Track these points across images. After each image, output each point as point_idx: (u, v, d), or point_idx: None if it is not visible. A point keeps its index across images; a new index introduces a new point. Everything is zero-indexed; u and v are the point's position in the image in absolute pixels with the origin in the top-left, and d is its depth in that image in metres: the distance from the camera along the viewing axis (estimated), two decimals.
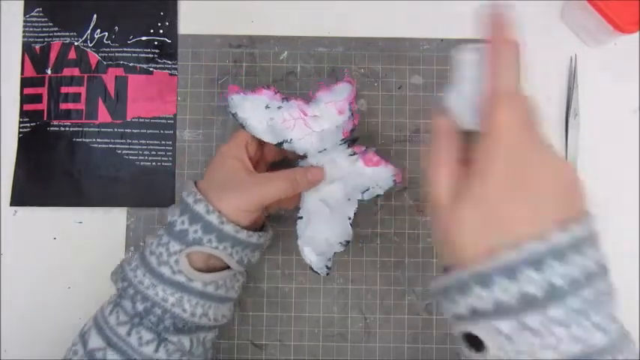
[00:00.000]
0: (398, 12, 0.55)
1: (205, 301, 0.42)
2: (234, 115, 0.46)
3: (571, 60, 0.54)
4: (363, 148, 0.46)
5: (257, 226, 0.46)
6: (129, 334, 0.41)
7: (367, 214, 0.52)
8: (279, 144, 0.46)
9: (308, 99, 0.46)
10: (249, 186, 0.43)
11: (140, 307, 0.41)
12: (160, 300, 0.41)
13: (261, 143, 0.47)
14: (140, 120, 0.54)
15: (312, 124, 0.46)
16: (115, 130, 0.54)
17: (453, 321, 0.31)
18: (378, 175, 0.46)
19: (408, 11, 0.55)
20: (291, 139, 0.45)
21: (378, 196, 0.46)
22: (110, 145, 0.53)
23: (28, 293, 0.52)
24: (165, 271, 0.41)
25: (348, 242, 0.46)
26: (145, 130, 0.54)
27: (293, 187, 0.44)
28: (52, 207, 0.53)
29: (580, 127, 0.54)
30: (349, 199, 0.46)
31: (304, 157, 0.46)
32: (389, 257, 0.52)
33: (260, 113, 0.45)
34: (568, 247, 0.27)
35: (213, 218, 0.41)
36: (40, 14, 0.55)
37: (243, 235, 0.42)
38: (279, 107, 0.45)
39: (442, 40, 0.54)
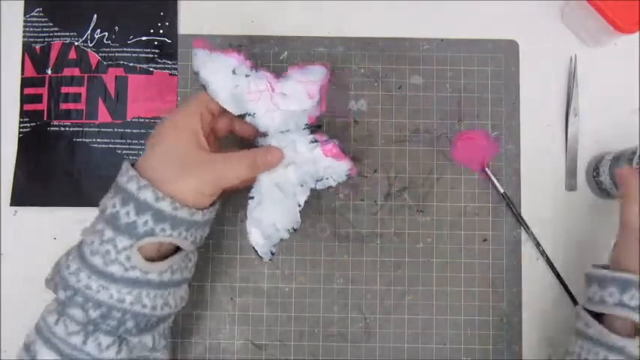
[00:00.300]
0: (398, 12, 0.55)
1: (163, 290, 0.39)
2: (196, 75, 0.43)
3: (571, 60, 0.54)
4: (325, 138, 0.45)
5: None
6: (85, 342, 0.37)
7: (367, 214, 0.52)
8: (242, 116, 0.43)
9: (278, 74, 0.44)
10: (208, 166, 0.40)
11: (94, 314, 0.37)
12: (115, 302, 0.37)
13: (214, 116, 0.44)
14: (140, 120, 0.54)
15: (279, 102, 0.44)
16: (115, 130, 0.54)
17: (608, 307, 0.40)
18: (333, 167, 0.45)
19: (408, 11, 0.55)
20: (254, 113, 0.43)
21: (329, 187, 0.45)
22: (110, 145, 0.53)
23: (28, 293, 0.52)
24: (115, 270, 0.37)
25: (295, 230, 0.44)
26: (144, 130, 0.54)
27: (253, 170, 0.42)
28: (52, 207, 0.53)
29: (580, 127, 0.54)
30: (302, 186, 0.45)
31: (264, 134, 0.45)
32: (389, 257, 0.52)
33: (225, 77, 0.43)
34: None
35: (164, 206, 0.37)
36: (40, 14, 0.55)
37: (198, 216, 0.39)
38: (246, 75, 0.43)
39: (442, 40, 0.54)
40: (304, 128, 0.45)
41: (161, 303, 0.39)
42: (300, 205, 0.44)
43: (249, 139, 0.46)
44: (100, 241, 0.38)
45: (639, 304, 0.39)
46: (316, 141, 0.44)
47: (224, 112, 0.44)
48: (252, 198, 0.44)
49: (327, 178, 0.45)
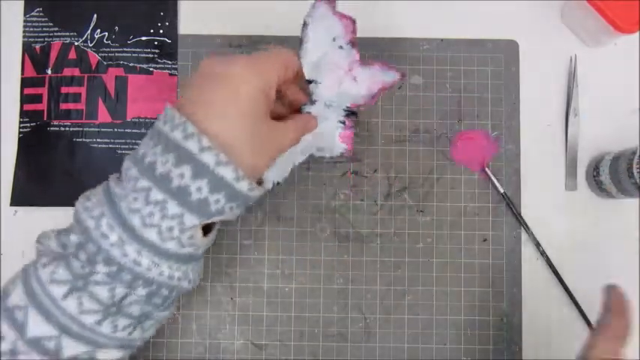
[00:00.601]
0: (398, 12, 0.55)
1: (199, 263, 0.38)
2: (303, 26, 0.42)
3: (571, 60, 0.54)
4: (351, 125, 0.46)
5: None
6: (99, 323, 0.34)
7: (367, 214, 0.52)
8: (309, 81, 0.43)
9: (363, 60, 0.44)
10: (273, 137, 0.36)
11: (142, 291, 0.34)
12: (166, 279, 0.35)
13: (285, 82, 0.39)
14: (140, 120, 0.54)
15: (345, 81, 0.44)
16: (115, 130, 0.54)
17: None
18: (337, 144, 0.46)
19: (408, 11, 0.55)
20: (320, 82, 0.43)
21: (322, 157, 0.47)
22: (110, 145, 0.53)
23: None
24: (171, 246, 0.34)
25: (279, 183, 0.45)
26: (144, 130, 0.54)
27: (299, 139, 0.41)
28: (52, 207, 0.53)
29: (580, 127, 0.54)
30: (301, 152, 0.46)
31: (312, 102, 0.44)
32: (389, 257, 0.52)
33: (324, 42, 0.43)
34: None
35: (242, 186, 0.34)
36: (40, 14, 0.55)
37: (256, 193, 0.36)
38: (340, 47, 0.43)
39: (442, 40, 0.54)
40: (343, 108, 0.45)
41: (196, 276, 0.38)
42: (294, 165, 0.46)
43: (293, 104, 0.43)
44: (162, 215, 0.33)
45: None
46: (343, 123, 0.45)
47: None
48: None
49: (327, 149, 0.47)
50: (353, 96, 0.45)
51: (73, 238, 0.35)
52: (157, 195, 0.33)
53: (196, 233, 0.35)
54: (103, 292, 0.34)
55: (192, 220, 0.34)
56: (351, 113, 0.46)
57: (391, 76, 0.45)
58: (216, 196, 0.33)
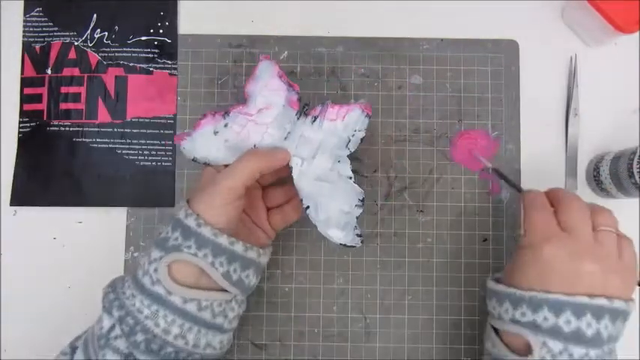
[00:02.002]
0: (398, 12, 0.55)
1: (184, 320, 0.39)
2: (194, 161, 0.45)
3: (571, 60, 0.54)
4: (319, 107, 0.45)
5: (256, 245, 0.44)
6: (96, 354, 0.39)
7: (367, 214, 0.52)
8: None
9: (243, 101, 0.45)
10: (219, 178, 0.41)
11: (116, 313, 0.39)
12: (134, 310, 0.39)
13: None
14: (140, 120, 0.54)
15: (263, 119, 0.45)
16: (115, 130, 0.54)
17: (504, 323, 0.40)
18: (350, 121, 0.45)
19: (408, 11, 0.55)
20: (254, 146, 0.44)
21: (362, 140, 0.45)
22: (110, 145, 0.53)
23: (28, 293, 0.52)
24: (146, 281, 0.40)
25: (362, 200, 0.44)
26: (144, 130, 0.54)
27: (263, 159, 0.42)
28: (52, 207, 0.53)
29: (580, 127, 0.54)
30: (339, 161, 0.44)
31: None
32: (389, 257, 0.52)
33: (213, 142, 0.45)
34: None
35: (190, 221, 0.40)
36: (40, 14, 0.55)
37: (222, 239, 0.40)
38: (225, 125, 0.45)
39: (442, 40, 0.54)
40: (298, 118, 0.45)
41: (176, 332, 0.39)
42: (350, 177, 0.44)
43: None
44: (144, 254, 0.42)
45: (530, 321, 0.38)
46: (316, 117, 0.44)
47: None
48: (308, 207, 0.44)
49: (353, 135, 0.45)
50: (282, 109, 0.45)
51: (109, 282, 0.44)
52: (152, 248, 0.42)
53: (160, 267, 0.39)
54: (101, 322, 0.40)
55: (154, 254, 0.40)
56: (304, 108, 0.45)
57: (265, 67, 0.45)
58: (175, 234, 0.40)
